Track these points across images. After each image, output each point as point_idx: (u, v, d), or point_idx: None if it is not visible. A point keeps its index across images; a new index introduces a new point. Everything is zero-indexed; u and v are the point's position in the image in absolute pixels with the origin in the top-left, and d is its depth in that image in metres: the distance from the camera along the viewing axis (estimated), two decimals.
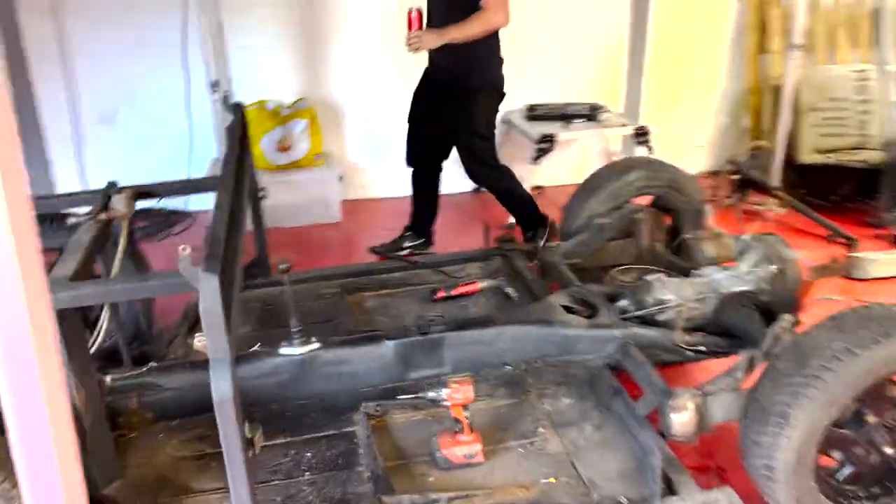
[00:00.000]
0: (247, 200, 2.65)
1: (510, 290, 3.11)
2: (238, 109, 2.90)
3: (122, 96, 4.73)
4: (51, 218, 2.58)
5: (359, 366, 2.52)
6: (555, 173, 5.22)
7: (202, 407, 2.40)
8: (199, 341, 1.80)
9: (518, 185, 3.97)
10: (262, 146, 4.53)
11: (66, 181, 4.74)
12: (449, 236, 4.34)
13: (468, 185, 4.62)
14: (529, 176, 4.57)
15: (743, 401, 2.11)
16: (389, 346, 2.51)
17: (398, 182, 4.81)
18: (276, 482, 2.16)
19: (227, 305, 1.65)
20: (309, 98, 4.79)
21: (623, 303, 2.73)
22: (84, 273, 2.04)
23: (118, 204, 2.41)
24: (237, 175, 2.40)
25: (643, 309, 2.67)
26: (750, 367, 2.17)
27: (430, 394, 2.11)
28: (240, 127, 2.77)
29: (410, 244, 4.08)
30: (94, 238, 2.19)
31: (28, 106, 4.53)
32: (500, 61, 3.75)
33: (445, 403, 2.11)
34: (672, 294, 2.66)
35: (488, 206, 4.58)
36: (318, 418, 2.41)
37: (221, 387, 1.64)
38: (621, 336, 2.55)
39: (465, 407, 2.12)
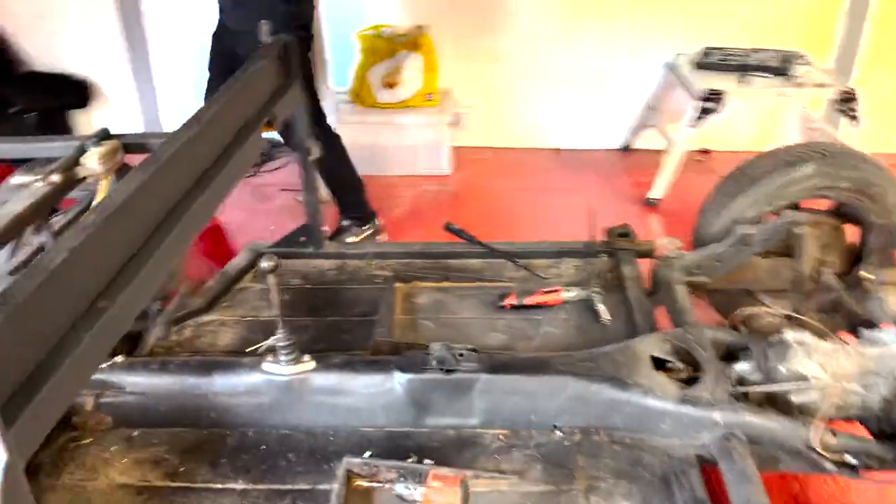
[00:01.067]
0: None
1: (601, 308, 2.36)
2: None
3: None
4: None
5: (360, 399, 1.94)
6: (730, 135, 4.20)
7: (170, 419, 2.00)
8: None
9: (347, 161, 3.36)
10: (370, 79, 3.95)
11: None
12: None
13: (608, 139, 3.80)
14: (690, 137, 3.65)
15: None
16: (401, 380, 1.90)
17: (529, 132, 4.09)
18: None
19: None
20: (428, 27, 4.12)
21: (743, 367, 1.90)
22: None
23: (90, 160, 1.95)
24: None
25: (771, 381, 1.83)
26: None
27: (399, 487, 1.49)
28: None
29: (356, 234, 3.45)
30: (30, 206, 1.76)
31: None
32: None
33: None
34: (819, 367, 1.79)
35: (636, 169, 3.75)
36: (297, 461, 1.88)
37: None
38: (725, 422, 1.76)
39: None
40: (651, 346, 1.95)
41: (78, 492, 1.83)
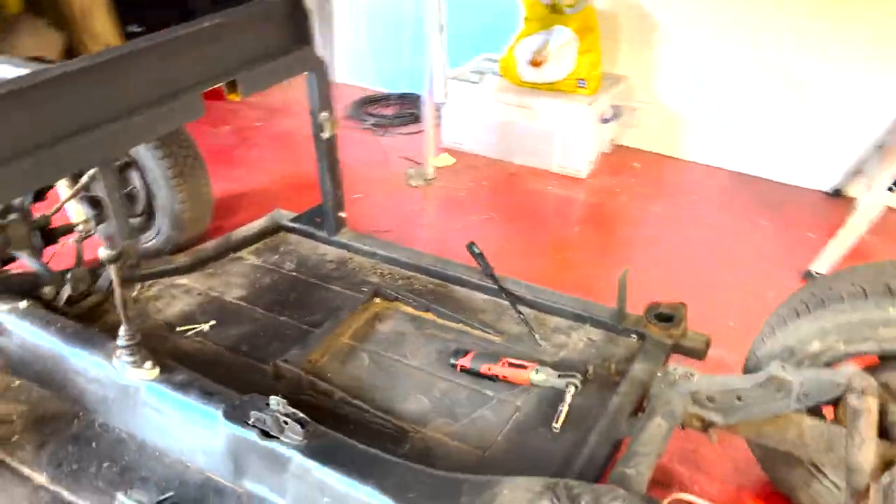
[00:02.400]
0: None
1: (563, 410, 1.78)
2: None
3: None
4: None
5: (184, 431, 1.67)
6: None
7: (42, 380, 1.92)
8: None
9: None
10: (517, 53, 3.45)
11: None
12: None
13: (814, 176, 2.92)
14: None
15: None
16: (223, 425, 1.59)
17: (709, 146, 3.33)
18: None
19: None
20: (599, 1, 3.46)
21: None
22: None
23: None
24: None
25: None
26: None
27: None
28: None
29: None
30: None
31: None
32: None
33: None
34: None
35: (833, 223, 2.89)
36: (105, 474, 1.68)
37: None
38: None
39: None
40: (517, 497, 1.38)
41: None
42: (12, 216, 2.22)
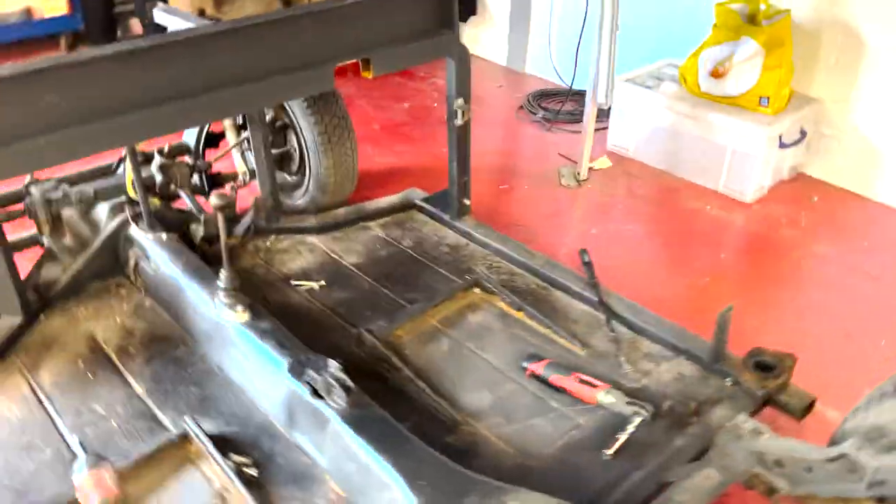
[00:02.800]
0: None
1: (622, 438, 1.69)
2: None
3: None
4: None
5: (256, 375, 1.82)
6: None
7: (166, 305, 2.17)
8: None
9: None
10: (700, 62, 3.26)
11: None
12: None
13: None
14: None
15: None
16: (286, 378, 1.71)
17: None
18: None
19: None
20: (800, 12, 3.14)
21: None
22: None
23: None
24: None
25: None
26: None
27: None
28: None
29: None
30: None
31: None
32: None
33: None
34: None
35: None
36: (185, 401, 1.88)
37: None
38: None
39: None
40: None
41: (72, 319, 2.16)
42: (180, 158, 2.53)
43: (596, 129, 3.40)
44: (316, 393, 1.64)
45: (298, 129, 2.71)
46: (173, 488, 1.61)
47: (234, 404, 1.85)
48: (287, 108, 2.71)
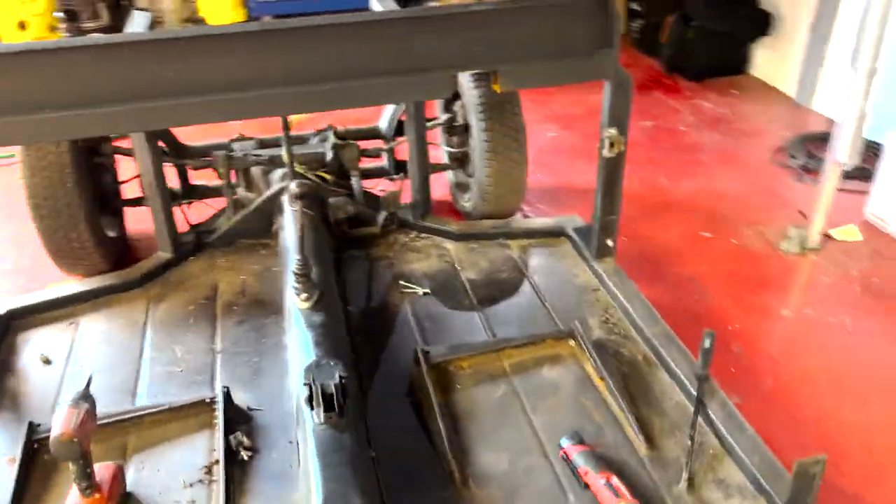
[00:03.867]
0: None
1: None
2: None
3: None
4: None
5: (294, 369, 1.83)
6: None
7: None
8: None
9: None
10: None
11: None
12: None
13: None
14: None
15: None
16: (302, 373, 1.70)
17: None
18: None
19: None
20: None
21: None
22: None
23: None
24: None
25: None
26: None
27: None
28: None
29: None
30: None
31: None
32: None
33: None
34: None
35: None
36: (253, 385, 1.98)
37: None
38: None
39: None
40: None
41: (211, 267, 2.40)
42: (350, 141, 2.63)
43: (852, 191, 2.78)
44: (310, 399, 1.61)
45: (472, 132, 2.64)
46: (165, 448, 1.72)
47: (276, 385, 1.90)
48: (465, 108, 2.66)
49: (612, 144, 2.06)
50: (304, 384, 1.63)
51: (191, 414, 1.80)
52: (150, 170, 2.27)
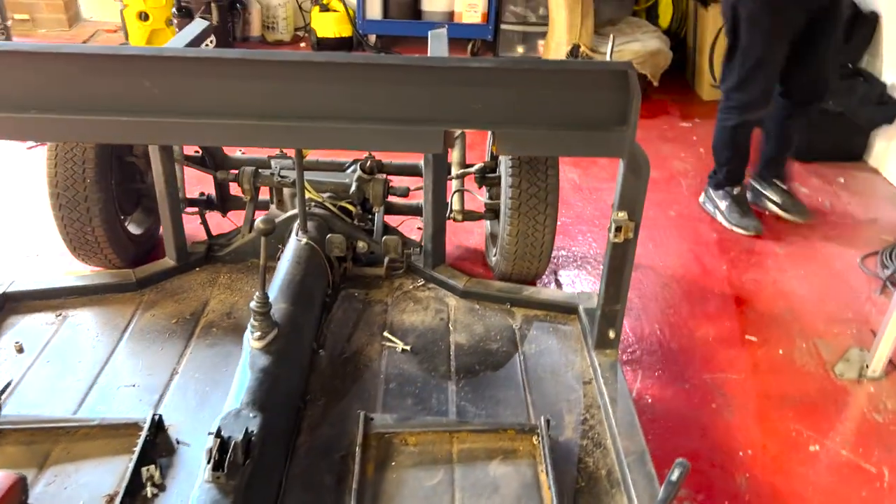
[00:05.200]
0: None
1: None
2: None
3: None
4: None
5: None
6: None
7: None
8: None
9: None
10: None
11: None
12: None
13: None
14: None
15: None
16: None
17: None
18: None
19: None
20: None
21: None
22: None
23: None
24: None
25: None
26: None
27: None
28: None
29: None
30: None
31: None
32: None
33: None
34: None
35: None
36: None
37: None
38: None
39: None
40: None
41: (209, 282, 2.38)
42: (378, 175, 2.54)
43: None
44: (209, 451, 1.52)
45: (502, 184, 2.49)
46: (82, 466, 1.68)
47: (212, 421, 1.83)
48: (500, 159, 2.51)
49: (619, 229, 1.85)
50: (209, 433, 1.55)
51: (120, 434, 1.76)
52: (161, 176, 2.29)
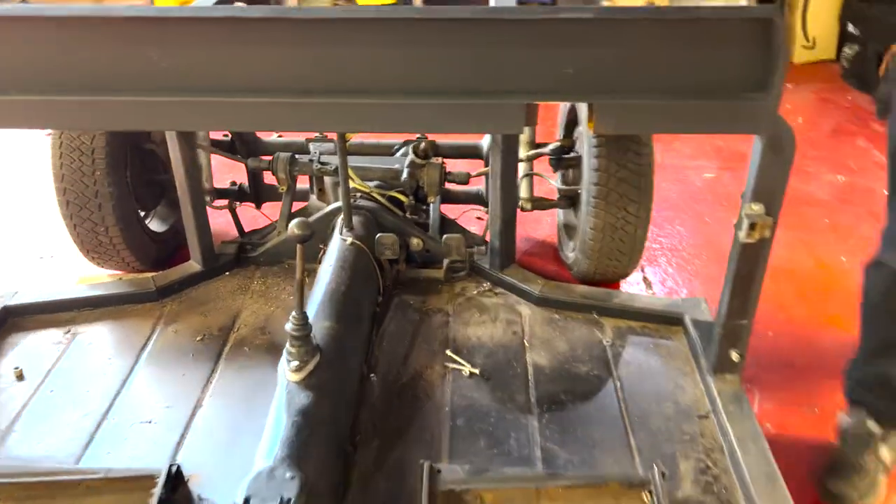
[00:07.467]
0: None
1: None
2: None
3: None
4: None
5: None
6: None
7: None
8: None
9: None
10: None
11: None
12: None
13: None
14: None
15: None
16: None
17: None
18: None
19: None
20: None
21: None
22: None
23: None
24: None
25: None
26: None
27: None
28: None
29: None
30: None
31: None
32: None
33: None
34: None
35: None
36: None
37: None
38: None
39: None
40: None
41: (241, 289, 2.03)
42: (433, 159, 2.15)
43: None
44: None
45: (583, 168, 2.08)
46: None
47: (243, 473, 1.48)
48: (581, 136, 2.10)
49: (752, 226, 1.43)
50: (234, 503, 1.20)
51: (131, 488, 1.42)
52: (181, 165, 1.94)
